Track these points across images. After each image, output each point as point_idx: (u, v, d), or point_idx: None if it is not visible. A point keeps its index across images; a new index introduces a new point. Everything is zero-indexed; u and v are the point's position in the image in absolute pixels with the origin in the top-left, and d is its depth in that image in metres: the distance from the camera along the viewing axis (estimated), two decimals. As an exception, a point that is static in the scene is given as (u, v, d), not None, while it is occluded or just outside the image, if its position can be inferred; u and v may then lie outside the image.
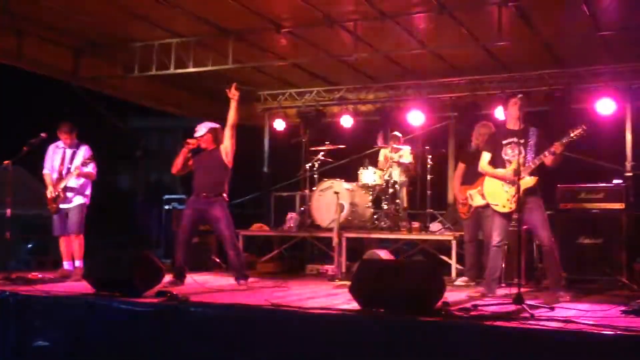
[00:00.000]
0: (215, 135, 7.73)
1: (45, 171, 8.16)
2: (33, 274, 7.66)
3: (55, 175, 8.07)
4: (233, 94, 7.59)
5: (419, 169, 10.13)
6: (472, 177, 7.99)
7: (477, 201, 7.83)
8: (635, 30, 8.65)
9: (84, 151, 8.11)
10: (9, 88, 11.53)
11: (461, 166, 8.48)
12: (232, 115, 7.60)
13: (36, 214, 9.50)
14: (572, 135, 6.28)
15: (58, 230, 8.12)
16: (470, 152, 8.36)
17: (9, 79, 11.02)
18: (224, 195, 7.61)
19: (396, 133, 10.17)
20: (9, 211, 7.69)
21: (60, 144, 8.18)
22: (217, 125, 7.83)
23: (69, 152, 8.11)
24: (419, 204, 10.40)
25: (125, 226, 12.07)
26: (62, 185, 7.97)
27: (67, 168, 8.02)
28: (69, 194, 8.02)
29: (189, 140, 7.72)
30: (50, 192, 8.01)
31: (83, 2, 8.48)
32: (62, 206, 8.02)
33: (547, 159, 6.43)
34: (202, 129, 7.74)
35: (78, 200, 8.08)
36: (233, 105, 7.59)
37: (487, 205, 7.38)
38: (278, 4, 8.55)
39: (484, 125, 8.31)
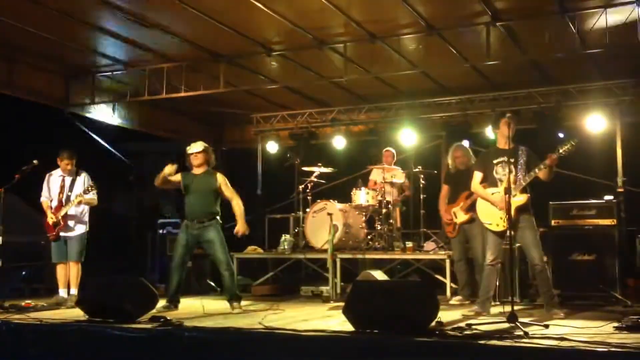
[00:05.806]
0: (209, 155, 7.71)
1: (43, 199, 8.10)
2: (26, 302, 7.59)
3: (54, 203, 8.02)
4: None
5: (411, 188, 10.17)
6: (455, 196, 8.20)
7: (461, 217, 8.07)
8: (623, 47, 8.73)
9: (84, 178, 8.10)
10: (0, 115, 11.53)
11: (445, 188, 8.53)
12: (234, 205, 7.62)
13: (29, 241, 9.45)
14: (561, 150, 6.35)
15: (56, 257, 8.04)
16: (450, 174, 8.44)
17: (-1, 107, 11.03)
18: (218, 218, 7.59)
19: (389, 149, 10.21)
20: (0, 239, 7.65)
21: (58, 172, 8.13)
22: (210, 147, 7.83)
23: (68, 179, 8.07)
24: (412, 224, 10.41)
25: (120, 251, 12.00)
26: (62, 212, 7.93)
27: (67, 196, 7.99)
28: (70, 222, 7.99)
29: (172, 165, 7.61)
30: (50, 219, 7.96)
31: (73, 30, 8.53)
32: (62, 234, 7.98)
33: (542, 172, 6.49)
34: (197, 147, 7.66)
35: (80, 229, 8.05)
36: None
37: (472, 221, 7.46)
38: (268, 28, 8.62)
39: (458, 147, 8.40)
